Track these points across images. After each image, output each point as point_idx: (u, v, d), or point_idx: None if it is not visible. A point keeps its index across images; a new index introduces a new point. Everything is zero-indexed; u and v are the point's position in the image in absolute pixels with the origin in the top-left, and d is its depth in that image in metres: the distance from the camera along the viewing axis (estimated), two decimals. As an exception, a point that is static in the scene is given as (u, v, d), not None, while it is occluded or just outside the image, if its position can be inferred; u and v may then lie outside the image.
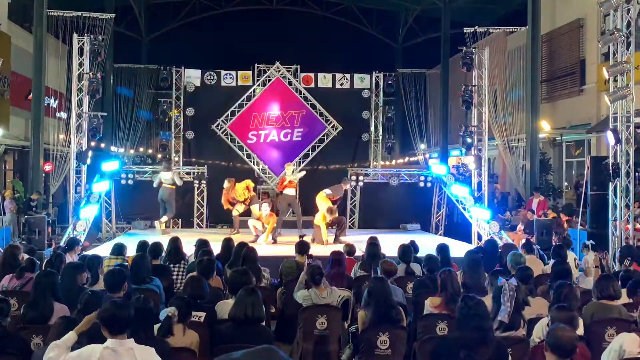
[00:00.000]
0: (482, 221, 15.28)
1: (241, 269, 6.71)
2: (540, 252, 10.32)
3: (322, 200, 13.88)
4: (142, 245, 8.59)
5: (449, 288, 6.30)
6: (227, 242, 8.97)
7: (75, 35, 15.63)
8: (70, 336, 4.23)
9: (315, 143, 18.73)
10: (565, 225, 14.63)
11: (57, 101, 18.79)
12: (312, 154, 18.66)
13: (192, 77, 18.60)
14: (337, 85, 19.06)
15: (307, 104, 18.68)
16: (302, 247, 8.58)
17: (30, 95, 17.07)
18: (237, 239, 9.69)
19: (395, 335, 5.74)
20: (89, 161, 15.55)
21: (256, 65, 18.70)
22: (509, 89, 17.99)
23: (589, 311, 6.06)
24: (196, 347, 5.15)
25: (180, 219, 17.49)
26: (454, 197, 16.38)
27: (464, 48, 16.78)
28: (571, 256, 9.40)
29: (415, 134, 22.29)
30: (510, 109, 17.74)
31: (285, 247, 12.35)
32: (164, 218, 15.24)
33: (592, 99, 19.23)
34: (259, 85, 18.59)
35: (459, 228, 17.33)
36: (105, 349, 3.89)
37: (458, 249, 11.89)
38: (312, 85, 18.91)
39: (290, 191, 14.61)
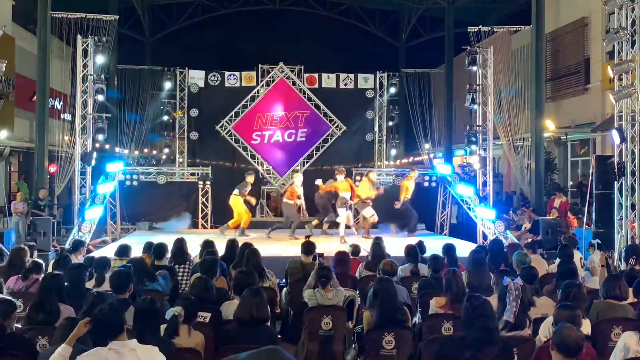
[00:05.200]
0: (487, 221, 15.26)
1: (246, 270, 6.71)
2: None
3: (235, 201, 14.59)
4: (149, 247, 8.60)
5: (454, 288, 6.29)
6: (232, 243, 8.97)
7: (79, 37, 15.68)
8: (64, 350, 4.21)
9: (320, 143, 18.71)
10: (576, 224, 14.60)
11: (61, 103, 18.82)
12: (316, 154, 18.65)
13: (196, 78, 18.61)
14: (341, 86, 19.03)
15: (311, 104, 18.67)
16: (307, 248, 8.57)
17: (35, 97, 17.12)
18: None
19: (400, 336, 5.72)
20: (93, 162, 15.59)
21: (260, 65, 18.70)
22: (514, 88, 17.95)
23: (595, 310, 6.04)
24: (201, 348, 5.15)
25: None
26: (459, 196, 16.36)
27: (468, 47, 16.76)
28: (577, 255, 9.37)
29: (420, 134, 22.26)
30: (515, 108, 17.70)
31: (291, 247, 12.34)
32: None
33: (597, 97, 19.19)
34: (262, 85, 18.59)
35: (463, 228, 17.30)
36: (109, 350, 3.93)
37: (463, 248, 11.86)
38: (316, 85, 18.89)
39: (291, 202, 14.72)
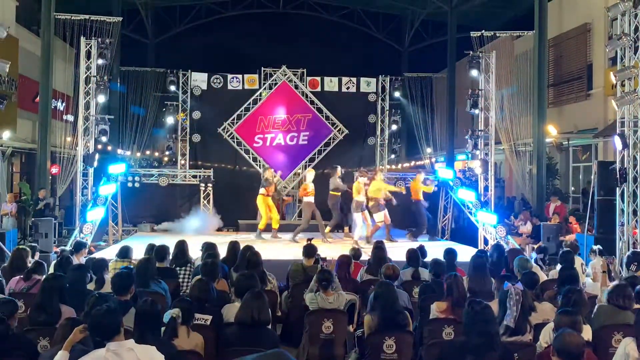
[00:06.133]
0: (488, 226, 15.25)
1: (247, 273, 6.72)
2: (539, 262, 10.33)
3: (259, 200, 14.96)
4: (151, 249, 8.61)
5: (455, 293, 6.28)
6: (233, 246, 8.97)
7: (82, 39, 15.70)
8: (61, 356, 4.23)
9: (322, 147, 18.72)
10: (578, 230, 14.56)
11: (64, 104, 18.87)
12: (318, 157, 18.66)
13: (199, 80, 18.63)
14: (344, 89, 19.05)
15: (313, 107, 18.69)
16: (309, 250, 8.56)
17: (38, 98, 17.14)
18: None
19: (401, 340, 5.72)
20: (95, 164, 15.61)
21: (262, 68, 18.72)
22: (516, 93, 17.96)
23: (597, 315, 6.04)
24: (201, 350, 5.16)
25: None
26: (460, 201, 16.35)
27: (471, 52, 16.77)
28: (578, 261, 9.36)
29: (422, 138, 22.28)
30: (517, 113, 17.70)
31: (293, 250, 12.34)
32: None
33: (599, 103, 19.17)
34: (265, 88, 18.61)
35: (465, 232, 17.29)
36: (107, 352, 3.96)
37: (464, 253, 11.86)
38: (319, 89, 18.91)
39: (312, 198, 14.68)
